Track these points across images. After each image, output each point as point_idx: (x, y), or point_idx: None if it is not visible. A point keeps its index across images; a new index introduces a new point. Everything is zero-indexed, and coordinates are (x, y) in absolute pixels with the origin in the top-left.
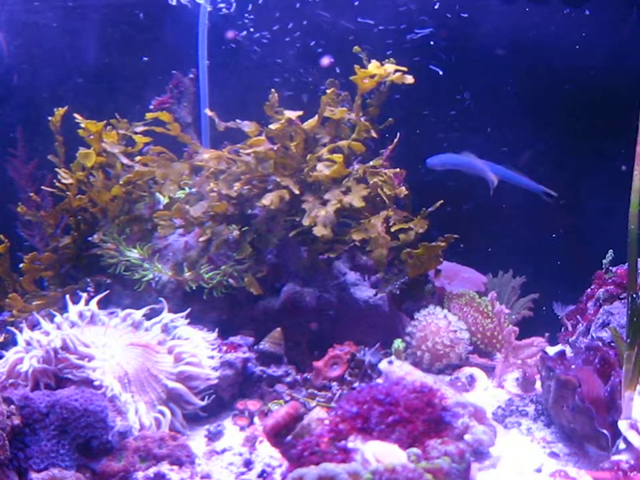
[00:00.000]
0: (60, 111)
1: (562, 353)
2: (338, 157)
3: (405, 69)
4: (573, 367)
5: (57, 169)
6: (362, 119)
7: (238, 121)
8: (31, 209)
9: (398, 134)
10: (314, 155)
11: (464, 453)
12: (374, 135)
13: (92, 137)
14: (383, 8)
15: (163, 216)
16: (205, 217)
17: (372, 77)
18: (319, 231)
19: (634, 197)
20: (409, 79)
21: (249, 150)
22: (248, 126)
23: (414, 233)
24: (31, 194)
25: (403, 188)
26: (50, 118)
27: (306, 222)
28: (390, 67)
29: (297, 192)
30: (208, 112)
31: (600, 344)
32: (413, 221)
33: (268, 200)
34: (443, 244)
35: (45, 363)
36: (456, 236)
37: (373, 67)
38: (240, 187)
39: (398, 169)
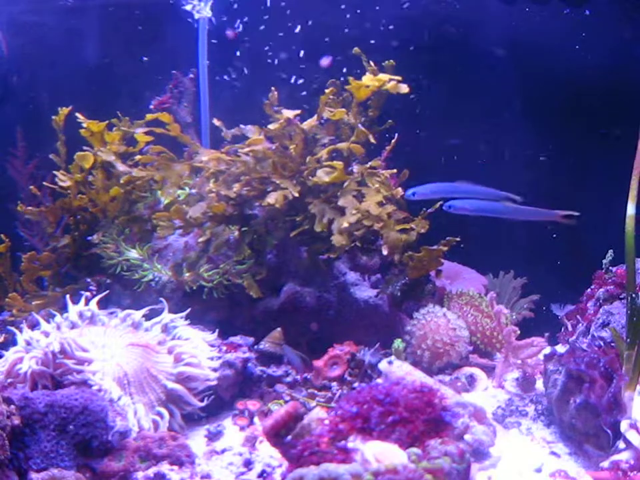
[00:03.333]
0: (64, 110)
1: (573, 349)
2: (338, 164)
3: (399, 78)
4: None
5: (54, 172)
6: (360, 125)
7: (242, 126)
8: (32, 206)
9: (396, 134)
10: (313, 157)
11: (464, 453)
12: (372, 140)
13: (93, 136)
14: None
15: (162, 217)
16: (204, 217)
17: (367, 86)
18: (338, 240)
19: (631, 198)
20: (404, 89)
21: (247, 149)
22: (252, 131)
23: (416, 233)
24: (32, 187)
25: (399, 189)
26: (53, 117)
27: (318, 228)
28: (384, 76)
29: (297, 194)
30: (216, 122)
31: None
32: (413, 221)
33: (272, 199)
34: (444, 248)
35: (44, 366)
36: (457, 239)
37: (367, 78)
38: (239, 188)
39: (395, 170)
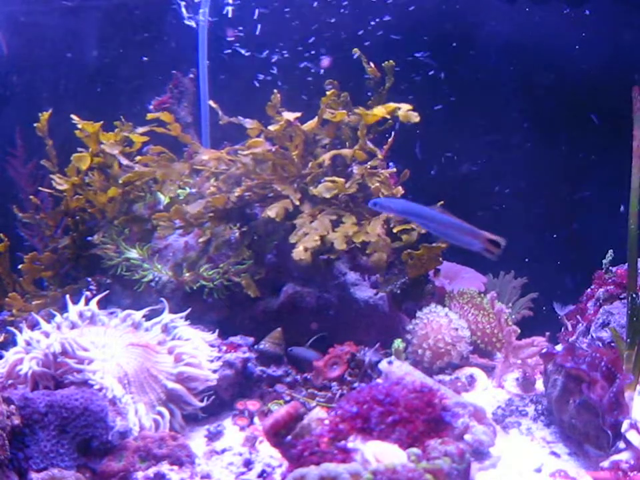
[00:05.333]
0: (45, 115)
1: (571, 348)
2: (340, 180)
3: (410, 107)
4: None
5: (51, 175)
6: (368, 142)
7: (240, 117)
8: (31, 210)
9: (393, 133)
10: (315, 161)
11: (464, 453)
12: (380, 156)
13: (89, 137)
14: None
15: (162, 217)
16: (205, 215)
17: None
18: (297, 254)
19: (633, 196)
20: (415, 117)
21: (247, 152)
22: (250, 123)
23: (416, 234)
24: (31, 197)
25: (400, 188)
26: (35, 124)
27: (292, 239)
28: (392, 105)
29: (297, 202)
30: (212, 103)
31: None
32: None
33: (273, 212)
34: (443, 245)
35: (45, 367)
36: None
37: (378, 110)
38: (240, 193)
39: (395, 169)
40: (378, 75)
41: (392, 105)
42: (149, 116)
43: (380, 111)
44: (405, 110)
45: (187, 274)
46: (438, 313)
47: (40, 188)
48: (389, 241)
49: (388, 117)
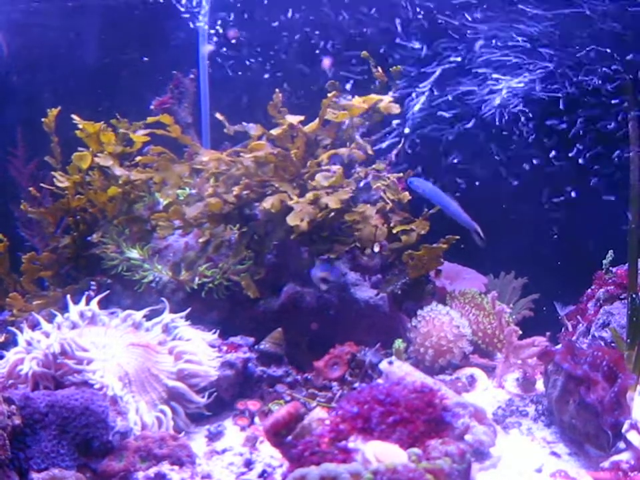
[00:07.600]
0: (53, 112)
1: (570, 347)
2: (338, 169)
3: (390, 98)
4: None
5: (53, 172)
6: (357, 137)
7: (244, 123)
8: (33, 206)
9: (402, 139)
10: (314, 160)
11: (464, 453)
12: (370, 152)
13: (89, 137)
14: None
15: (161, 217)
16: (203, 217)
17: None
18: (292, 220)
19: (634, 192)
20: (395, 109)
21: (250, 155)
22: (254, 129)
23: (415, 234)
24: (31, 189)
25: (407, 193)
26: (43, 119)
27: (290, 218)
28: (374, 97)
29: (295, 198)
30: (218, 116)
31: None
32: (414, 222)
33: (269, 203)
34: (444, 246)
35: (45, 367)
36: (457, 237)
37: (357, 101)
38: (239, 191)
39: (401, 174)
40: (385, 79)
41: (373, 96)
42: (149, 119)
43: (359, 102)
44: (386, 102)
45: (186, 273)
46: (440, 311)
47: (42, 185)
48: (385, 231)
49: (367, 106)
